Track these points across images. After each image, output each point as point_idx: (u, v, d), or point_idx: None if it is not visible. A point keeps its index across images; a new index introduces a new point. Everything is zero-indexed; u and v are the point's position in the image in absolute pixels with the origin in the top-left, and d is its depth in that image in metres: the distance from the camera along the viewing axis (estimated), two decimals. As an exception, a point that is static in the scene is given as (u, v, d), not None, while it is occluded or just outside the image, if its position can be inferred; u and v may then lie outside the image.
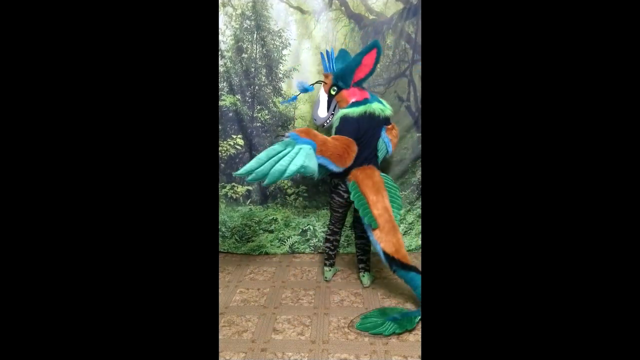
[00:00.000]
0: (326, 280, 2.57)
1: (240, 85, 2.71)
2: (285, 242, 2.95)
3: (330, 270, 2.58)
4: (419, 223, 2.95)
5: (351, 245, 2.96)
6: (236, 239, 2.95)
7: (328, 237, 2.53)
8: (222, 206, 2.89)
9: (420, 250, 2.94)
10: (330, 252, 2.55)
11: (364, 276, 2.49)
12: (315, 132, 2.02)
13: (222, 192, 2.87)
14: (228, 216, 2.91)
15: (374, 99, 2.25)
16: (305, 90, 2.30)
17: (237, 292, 2.45)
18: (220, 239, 2.94)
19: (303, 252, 2.98)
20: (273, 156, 1.84)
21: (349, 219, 2.93)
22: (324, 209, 2.93)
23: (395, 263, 2.07)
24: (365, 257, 2.49)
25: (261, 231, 2.94)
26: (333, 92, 2.23)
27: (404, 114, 2.77)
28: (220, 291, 2.44)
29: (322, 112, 2.28)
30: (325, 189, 2.86)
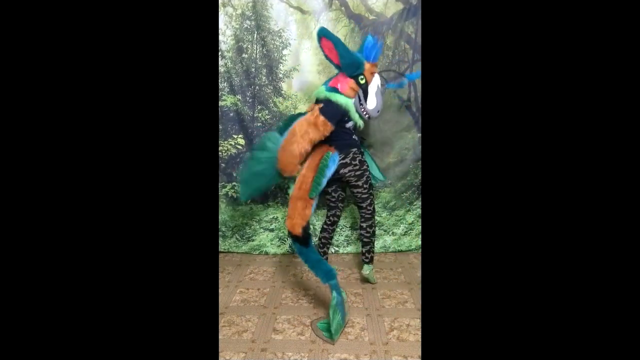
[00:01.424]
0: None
1: (240, 85, 2.71)
2: (285, 241, 2.96)
3: None
4: (419, 223, 2.95)
5: (351, 244, 2.96)
6: (237, 238, 2.96)
7: (319, 233, 2.53)
8: (222, 205, 2.89)
9: (420, 251, 2.94)
10: (319, 250, 2.51)
11: (363, 267, 2.43)
12: None
13: (222, 191, 2.88)
14: (229, 215, 2.91)
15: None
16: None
17: (237, 292, 2.45)
18: (220, 238, 2.94)
19: (303, 252, 2.98)
20: None
21: (348, 221, 2.95)
22: (324, 208, 2.92)
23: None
24: (365, 249, 2.40)
25: (262, 230, 2.94)
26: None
27: (404, 114, 2.77)
28: (220, 291, 2.44)
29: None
30: (324, 189, 2.85)
